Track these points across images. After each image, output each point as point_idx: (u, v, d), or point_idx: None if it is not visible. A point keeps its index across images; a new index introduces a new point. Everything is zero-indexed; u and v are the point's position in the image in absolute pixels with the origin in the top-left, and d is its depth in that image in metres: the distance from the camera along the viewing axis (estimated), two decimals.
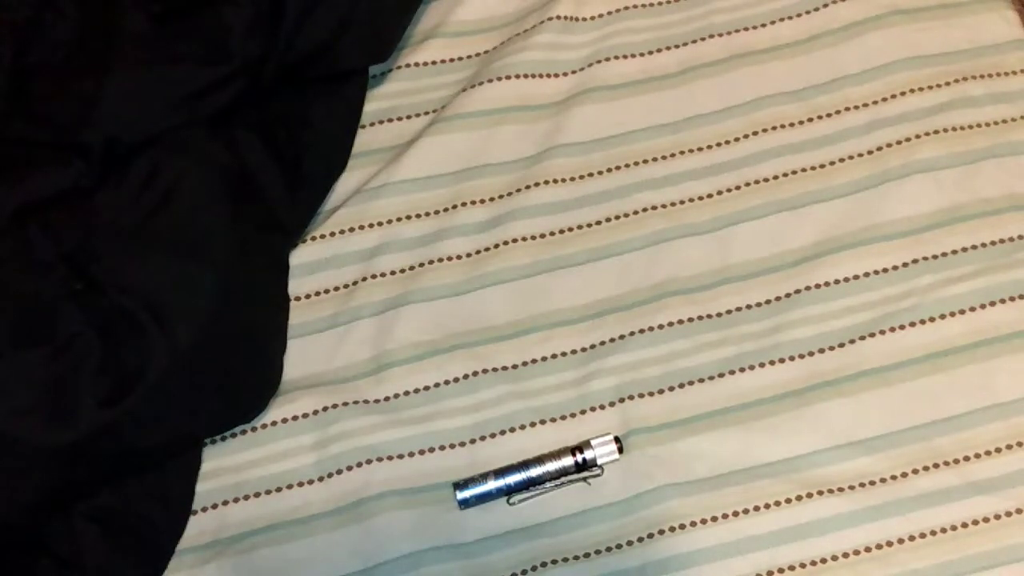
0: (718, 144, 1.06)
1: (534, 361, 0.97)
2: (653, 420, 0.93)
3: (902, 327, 0.96)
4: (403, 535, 0.90)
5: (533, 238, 1.02)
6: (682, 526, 0.89)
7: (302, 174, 1.03)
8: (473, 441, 0.94)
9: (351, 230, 1.03)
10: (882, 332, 0.96)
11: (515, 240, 1.01)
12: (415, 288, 0.99)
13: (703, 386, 0.95)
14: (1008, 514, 0.89)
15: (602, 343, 0.97)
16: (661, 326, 0.97)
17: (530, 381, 0.96)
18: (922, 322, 0.96)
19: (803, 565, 0.88)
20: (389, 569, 0.89)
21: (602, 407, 0.95)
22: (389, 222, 1.03)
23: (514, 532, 0.90)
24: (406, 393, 0.96)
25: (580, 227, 1.03)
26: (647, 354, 0.96)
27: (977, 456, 0.91)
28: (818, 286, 0.98)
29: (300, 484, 0.92)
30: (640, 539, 0.89)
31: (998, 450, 0.91)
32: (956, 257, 0.99)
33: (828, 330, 0.96)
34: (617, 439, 0.92)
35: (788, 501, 0.90)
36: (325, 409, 0.94)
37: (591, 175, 1.05)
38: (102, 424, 0.86)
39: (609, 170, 1.05)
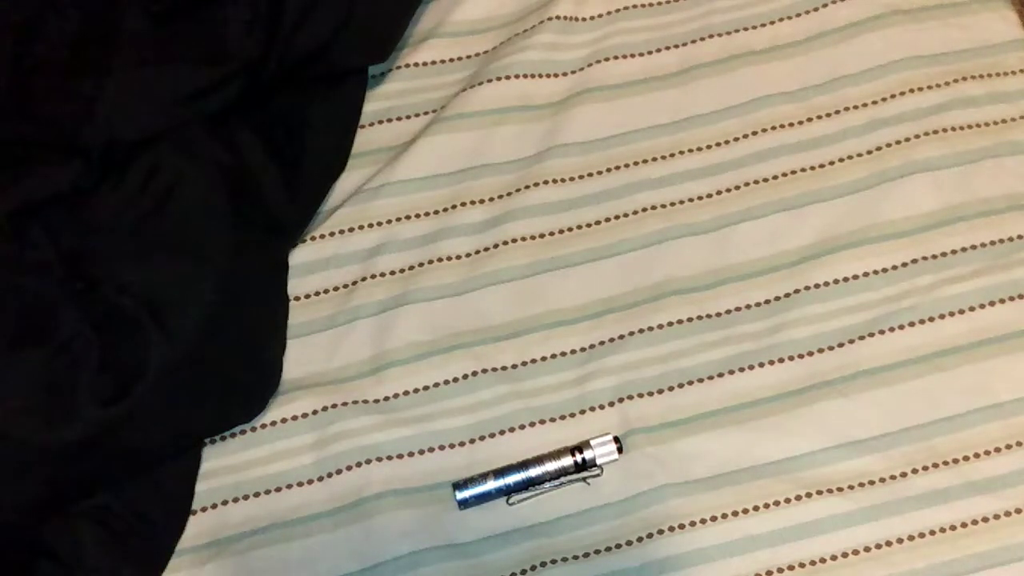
0: (717, 144, 1.06)
1: (534, 361, 0.97)
2: (652, 420, 0.94)
3: (901, 327, 0.96)
4: (403, 535, 0.90)
5: (533, 238, 1.02)
6: (682, 526, 0.89)
7: (302, 174, 1.03)
8: (472, 441, 0.94)
9: (351, 230, 1.03)
10: (881, 332, 0.96)
11: (515, 240, 1.01)
12: (415, 288, 0.99)
13: (703, 386, 0.95)
14: (1007, 514, 0.89)
15: (602, 343, 0.97)
16: (661, 326, 0.97)
17: (530, 381, 0.96)
18: (921, 322, 0.96)
19: (803, 565, 0.88)
20: (389, 569, 0.89)
21: (601, 407, 0.95)
22: (389, 222, 1.03)
23: (514, 532, 0.90)
24: (405, 393, 0.96)
25: (580, 227, 1.03)
26: (646, 354, 0.96)
27: (976, 456, 0.91)
28: (817, 286, 0.98)
29: (299, 484, 0.92)
30: (640, 539, 0.89)
31: (997, 450, 0.91)
32: (956, 257, 0.99)
33: (827, 330, 0.96)
34: (617, 439, 0.92)
35: (788, 501, 0.90)
36: (324, 409, 0.94)
37: (591, 175, 1.05)
38: (102, 424, 0.86)
39: (609, 170, 1.05)
